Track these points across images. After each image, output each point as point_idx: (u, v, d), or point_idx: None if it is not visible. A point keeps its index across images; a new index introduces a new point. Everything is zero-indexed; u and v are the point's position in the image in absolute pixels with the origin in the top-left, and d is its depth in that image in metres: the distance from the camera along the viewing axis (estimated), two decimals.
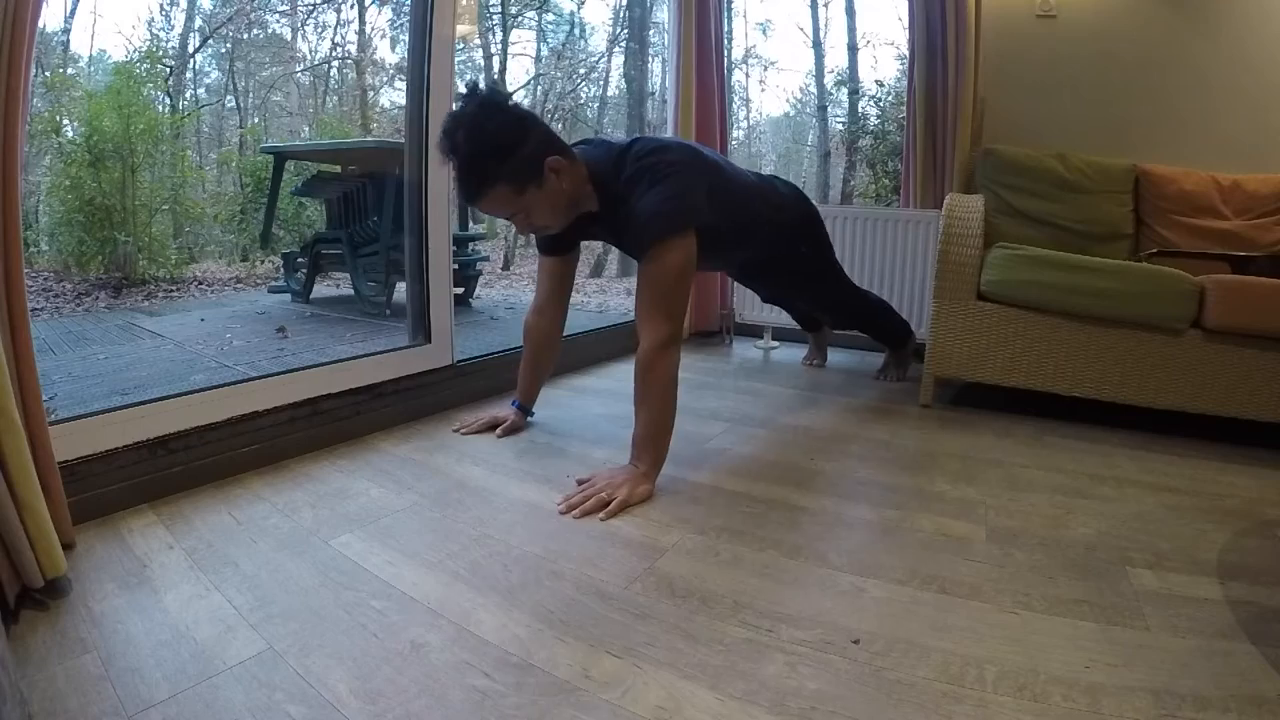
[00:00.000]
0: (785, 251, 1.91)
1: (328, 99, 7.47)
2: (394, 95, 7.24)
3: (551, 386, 2.08)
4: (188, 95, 6.10)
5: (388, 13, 7.33)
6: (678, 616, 0.92)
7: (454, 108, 1.30)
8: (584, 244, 1.67)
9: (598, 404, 1.93)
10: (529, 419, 1.72)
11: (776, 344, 2.78)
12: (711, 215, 1.43)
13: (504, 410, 1.69)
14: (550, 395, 1.99)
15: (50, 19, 4.83)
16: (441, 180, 1.80)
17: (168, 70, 5.47)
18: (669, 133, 2.72)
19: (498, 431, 1.63)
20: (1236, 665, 0.83)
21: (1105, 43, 2.40)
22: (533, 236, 1.65)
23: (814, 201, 2.05)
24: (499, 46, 7.98)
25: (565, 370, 2.26)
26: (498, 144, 1.26)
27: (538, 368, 1.70)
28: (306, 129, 7.09)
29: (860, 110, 6.71)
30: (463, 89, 1.32)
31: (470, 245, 4.48)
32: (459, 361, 1.90)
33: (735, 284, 2.84)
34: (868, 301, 2.24)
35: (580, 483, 1.33)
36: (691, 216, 1.36)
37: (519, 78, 8.45)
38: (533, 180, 1.30)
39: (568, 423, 1.75)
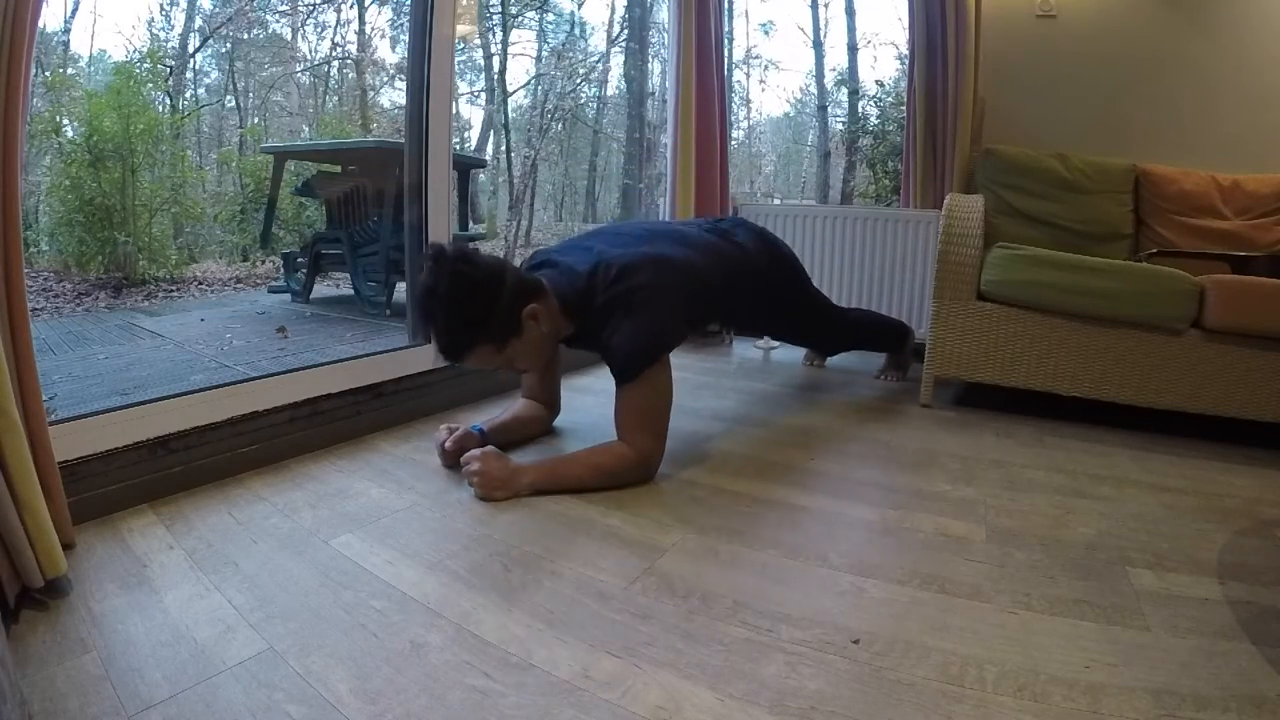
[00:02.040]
0: (765, 304, 1.87)
1: (328, 99, 7.47)
2: (394, 95, 7.24)
3: None
4: (188, 95, 6.10)
5: (388, 13, 7.32)
6: (678, 616, 0.92)
7: (423, 275, 1.29)
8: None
9: (598, 404, 1.93)
10: (483, 440, 1.47)
11: (776, 344, 2.78)
12: (690, 319, 1.45)
13: (462, 431, 1.47)
14: None
15: (50, 19, 4.83)
16: (442, 180, 1.80)
17: (168, 70, 5.46)
18: (669, 133, 2.72)
19: (447, 443, 1.43)
20: (1236, 665, 0.83)
21: (1105, 43, 2.41)
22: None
23: (820, 202, 2.04)
24: (499, 46, 7.98)
25: (565, 370, 2.26)
26: (474, 315, 1.27)
27: (519, 420, 1.59)
28: (306, 129, 7.09)
29: (860, 110, 6.71)
30: (427, 253, 1.32)
31: (470, 245, 4.47)
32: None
33: None
34: (858, 324, 2.22)
35: (466, 457, 1.31)
36: (668, 345, 1.38)
37: (519, 78, 8.46)
38: (512, 333, 1.31)
39: (568, 423, 1.75)
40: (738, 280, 1.68)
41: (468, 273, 1.27)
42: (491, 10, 7.83)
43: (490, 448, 1.34)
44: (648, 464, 1.37)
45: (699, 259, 1.55)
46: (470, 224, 4.97)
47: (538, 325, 1.35)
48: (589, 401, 1.96)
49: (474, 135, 8.12)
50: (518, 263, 1.51)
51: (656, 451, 1.38)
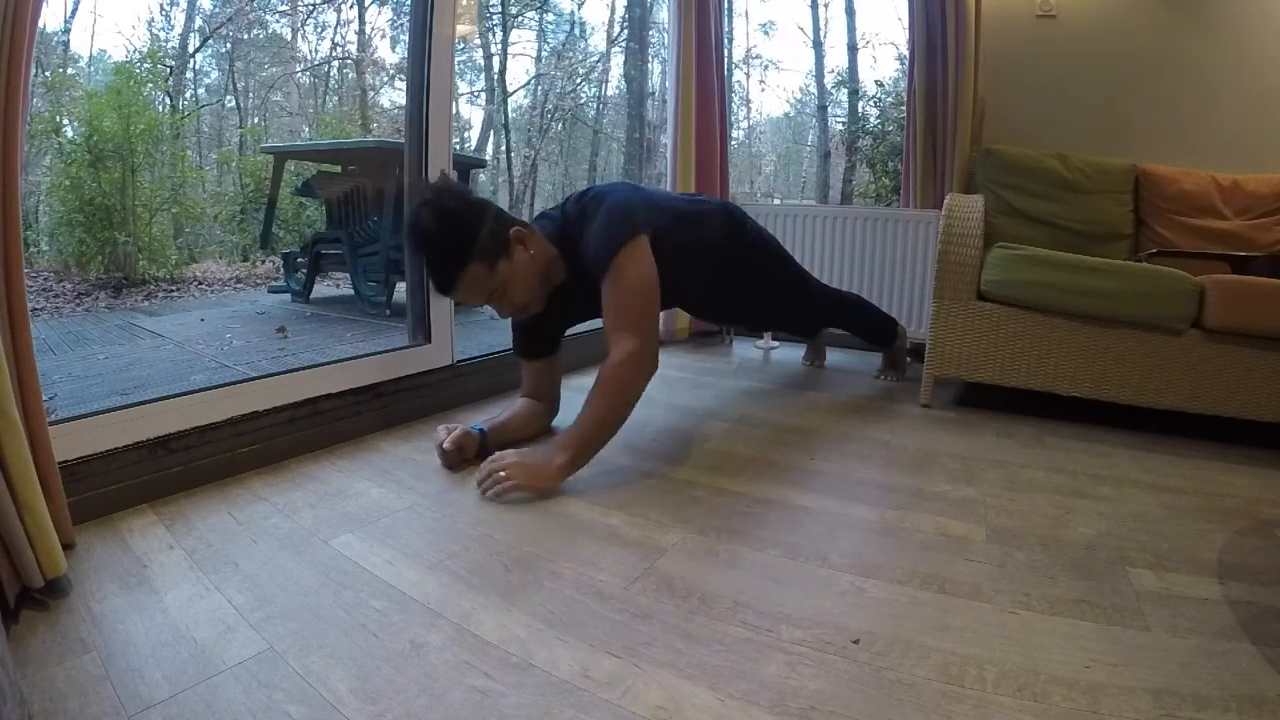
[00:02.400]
0: (743, 272, 1.83)
1: (328, 99, 7.47)
2: (394, 95, 7.25)
3: None
4: (188, 95, 6.11)
5: (388, 13, 7.33)
6: (678, 616, 0.92)
7: (410, 208, 1.37)
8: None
9: None
10: (481, 442, 1.46)
11: (776, 344, 2.78)
12: (659, 222, 1.46)
13: (459, 431, 1.45)
14: None
15: (50, 19, 4.84)
16: None
17: (168, 70, 5.47)
18: (669, 133, 2.72)
19: (446, 443, 1.41)
20: (1236, 665, 0.83)
21: (1105, 43, 2.41)
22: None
23: (820, 202, 2.04)
24: (499, 46, 7.98)
25: (565, 370, 2.26)
26: (461, 224, 1.31)
27: (521, 418, 1.58)
28: (306, 129, 7.09)
29: (860, 110, 6.71)
30: (422, 193, 1.39)
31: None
32: (459, 361, 1.90)
33: None
34: (847, 302, 2.22)
35: (495, 457, 1.31)
36: (637, 224, 1.39)
37: (519, 78, 8.46)
38: (502, 254, 1.34)
39: (568, 423, 1.74)
40: (701, 230, 1.67)
41: (458, 191, 1.36)
42: (491, 10, 7.83)
43: (507, 451, 1.32)
44: (645, 356, 1.35)
45: (664, 197, 1.69)
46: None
47: (525, 249, 1.38)
48: None
49: (474, 135, 8.13)
50: None
51: (648, 346, 1.36)
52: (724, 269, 1.78)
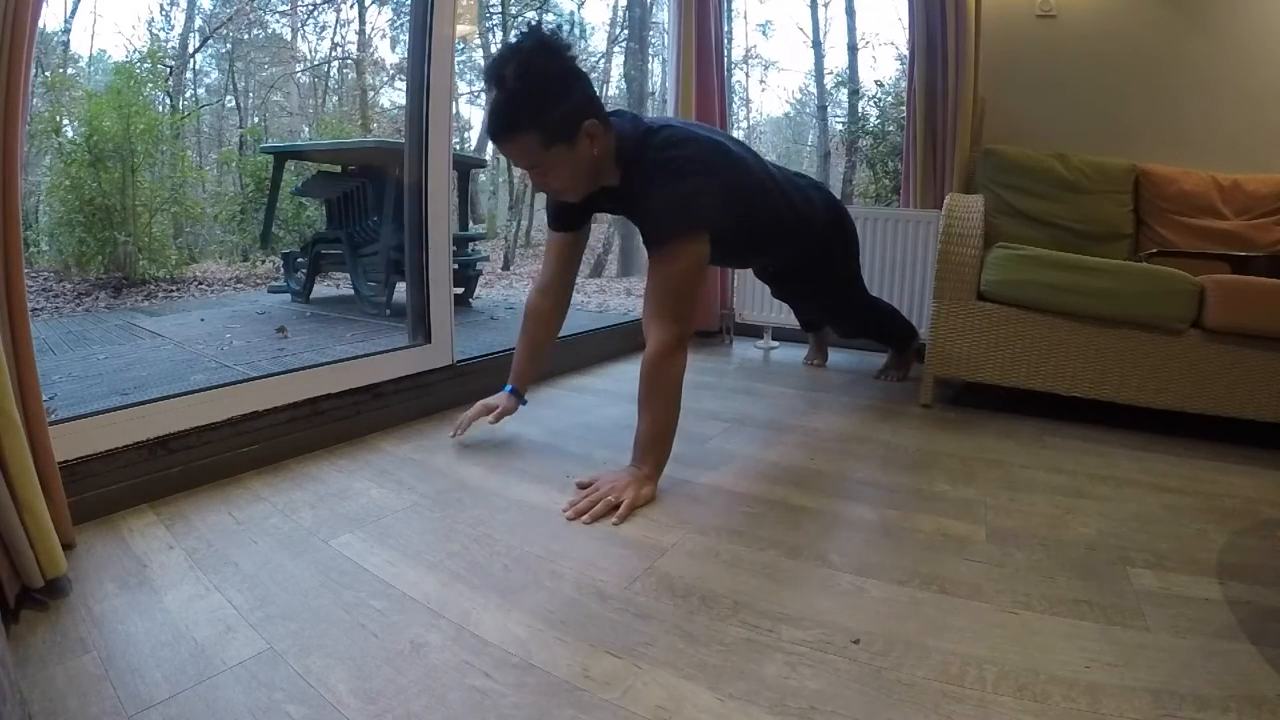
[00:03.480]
0: (808, 260, 1.89)
1: (328, 99, 7.47)
2: (394, 95, 7.25)
3: (551, 386, 2.08)
4: (188, 95, 6.11)
5: (388, 13, 7.33)
6: (678, 616, 0.92)
7: (512, 38, 1.25)
8: (591, 227, 1.65)
9: (598, 403, 1.93)
10: (523, 405, 1.65)
11: (776, 344, 2.78)
12: (727, 219, 1.41)
13: (495, 397, 1.61)
14: (550, 395, 1.99)
15: (50, 19, 4.85)
16: (442, 180, 1.80)
17: (168, 70, 5.47)
18: None
19: (491, 418, 1.56)
20: (1236, 665, 0.83)
21: (1105, 43, 2.41)
22: (541, 227, 1.63)
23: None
24: (499, 46, 7.97)
25: (565, 370, 2.26)
26: (543, 90, 1.22)
27: (536, 350, 1.64)
28: (306, 129, 7.09)
29: (860, 110, 6.71)
30: (528, 23, 1.29)
31: (470, 245, 4.48)
32: (459, 361, 1.90)
33: (735, 284, 2.85)
34: (878, 311, 2.23)
35: (581, 486, 1.32)
36: (702, 219, 1.34)
37: None
38: (564, 138, 1.25)
39: (568, 423, 1.75)
40: (785, 216, 1.67)
41: (556, 49, 1.23)
42: (491, 10, 7.83)
43: (604, 474, 1.33)
44: (682, 342, 1.34)
45: (756, 171, 1.56)
46: (470, 224, 4.97)
47: (590, 146, 1.29)
48: (589, 401, 1.96)
49: (474, 135, 8.13)
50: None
51: (683, 335, 1.34)
52: (796, 251, 1.81)
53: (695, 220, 1.33)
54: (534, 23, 1.27)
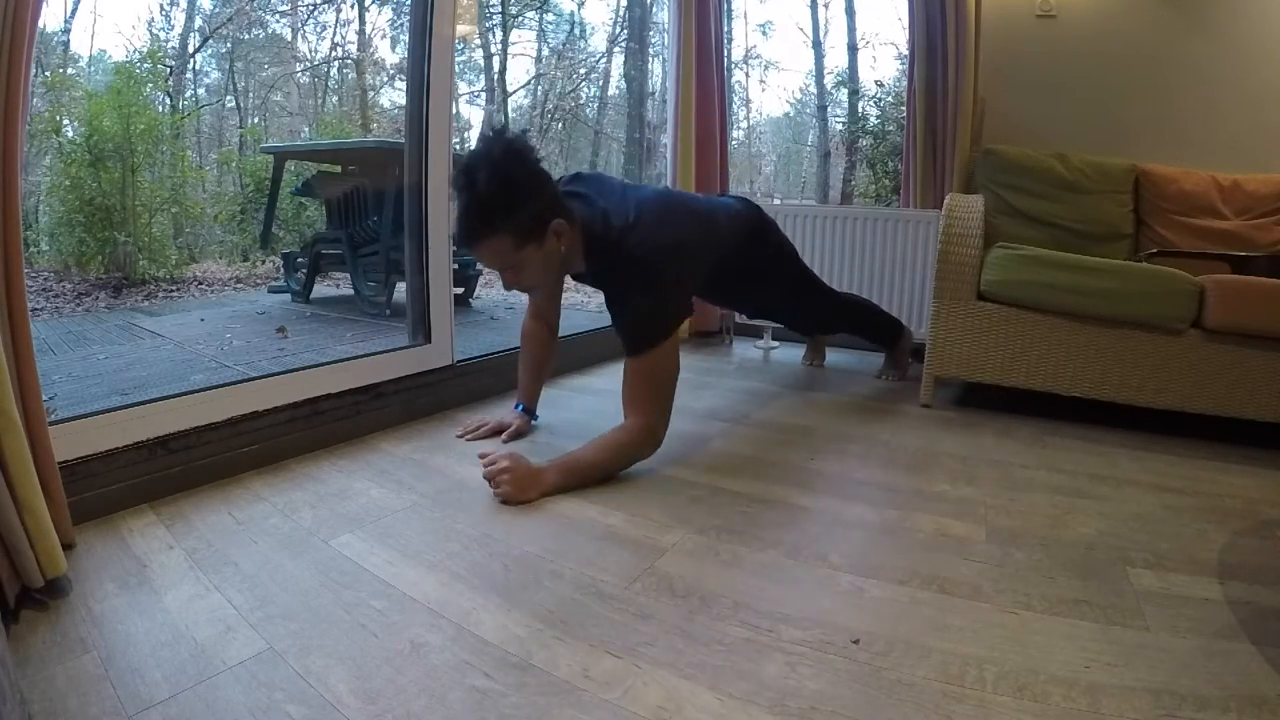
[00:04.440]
0: (756, 267, 1.87)
1: (328, 99, 7.47)
2: (394, 95, 7.24)
3: (551, 386, 2.08)
4: (188, 95, 6.10)
5: (388, 13, 7.33)
6: (678, 616, 0.92)
7: (476, 145, 1.30)
8: None
9: (598, 403, 1.93)
10: (534, 422, 1.70)
11: (776, 344, 2.78)
12: (698, 289, 1.49)
13: (508, 415, 1.67)
14: (550, 395, 1.99)
15: (50, 19, 4.84)
16: (441, 180, 1.80)
17: (168, 70, 5.46)
18: (669, 133, 2.72)
19: (503, 437, 1.60)
20: (1236, 665, 0.83)
21: (1105, 43, 2.41)
22: None
23: (820, 202, 2.04)
24: (499, 46, 7.98)
25: (565, 370, 2.26)
26: (514, 195, 1.26)
27: (538, 370, 1.71)
28: (306, 129, 7.09)
29: (860, 110, 6.71)
30: (489, 130, 1.32)
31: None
32: (459, 361, 1.90)
33: None
34: (851, 303, 2.23)
35: (489, 456, 1.33)
36: (677, 321, 1.40)
37: (519, 78, 8.46)
38: (534, 239, 1.30)
39: (568, 422, 1.75)
40: (730, 242, 1.70)
41: (523, 153, 1.28)
42: (491, 10, 7.83)
43: (510, 451, 1.35)
44: (654, 434, 1.40)
45: (715, 232, 1.62)
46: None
47: (558, 244, 1.34)
48: (587, 402, 1.96)
49: (474, 135, 8.12)
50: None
51: (661, 422, 1.40)
52: (740, 265, 1.80)
53: (670, 327, 1.38)
54: (498, 126, 1.30)
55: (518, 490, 1.27)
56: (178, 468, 1.28)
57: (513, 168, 1.26)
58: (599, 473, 1.36)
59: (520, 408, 1.68)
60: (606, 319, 1.50)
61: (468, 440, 1.60)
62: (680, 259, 1.41)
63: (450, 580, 1.00)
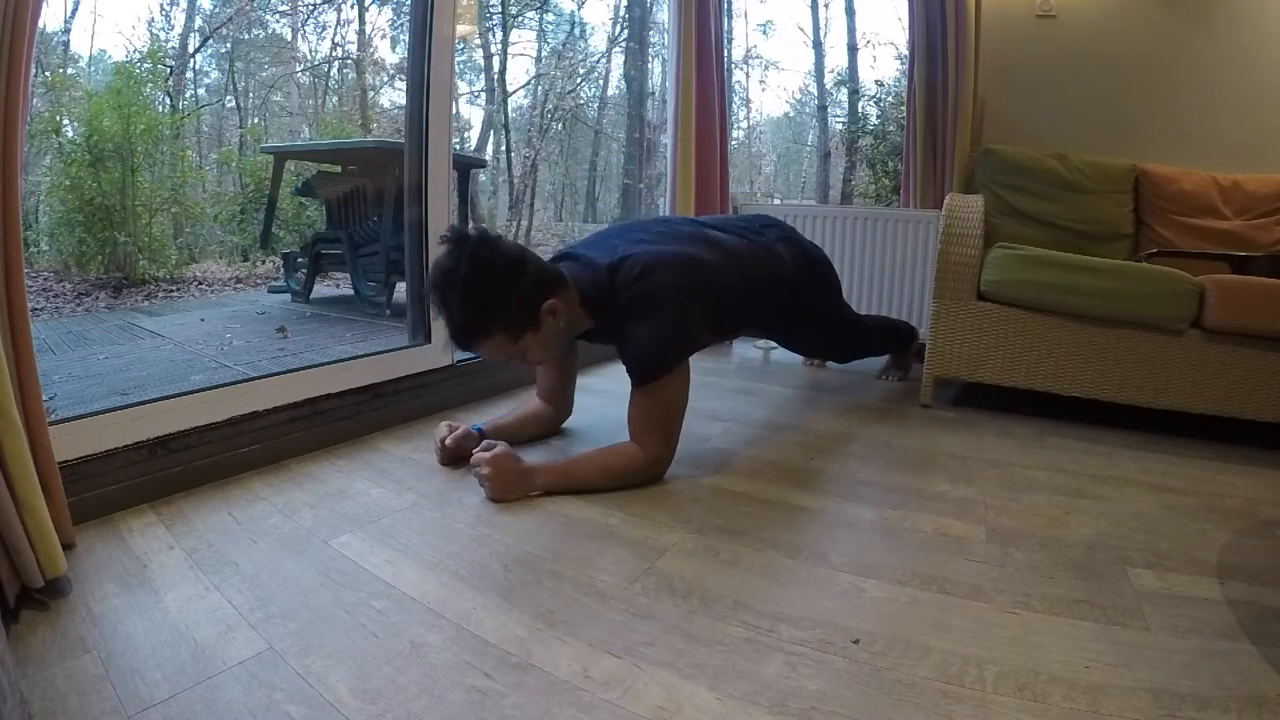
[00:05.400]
0: (795, 311, 1.82)
1: (328, 99, 7.46)
2: (394, 95, 7.24)
3: None
4: (188, 95, 6.10)
5: (388, 13, 7.32)
6: (678, 616, 0.92)
7: (440, 256, 1.25)
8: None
9: (598, 403, 1.93)
10: (480, 439, 1.46)
11: (776, 344, 2.78)
12: (710, 327, 1.42)
13: (461, 431, 1.46)
14: None
15: (50, 19, 4.82)
16: (442, 180, 1.80)
17: (168, 70, 5.46)
18: (669, 133, 2.71)
19: (448, 440, 1.43)
20: (1236, 665, 0.83)
21: (1105, 43, 2.41)
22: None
23: (821, 202, 2.03)
24: (499, 46, 7.97)
25: None
26: (492, 303, 1.22)
27: (525, 425, 1.58)
28: (306, 129, 7.08)
29: (860, 110, 6.71)
30: (446, 234, 1.24)
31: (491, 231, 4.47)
32: (459, 361, 1.90)
33: None
34: (867, 329, 2.20)
35: (483, 449, 1.30)
36: (686, 351, 1.36)
37: (519, 78, 8.45)
38: (529, 327, 1.26)
39: (571, 422, 1.74)
40: (768, 287, 1.62)
41: (488, 257, 1.22)
42: (491, 10, 7.82)
43: (502, 446, 1.31)
44: (657, 466, 1.37)
45: (727, 263, 1.48)
46: (471, 224, 4.96)
47: (555, 321, 1.29)
48: (593, 401, 1.96)
49: (474, 135, 8.12)
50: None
51: (666, 454, 1.37)
52: (785, 306, 1.75)
53: (677, 358, 1.34)
54: (458, 233, 1.25)
55: (500, 490, 1.27)
56: (178, 468, 1.28)
57: (482, 278, 1.20)
58: (591, 489, 1.32)
59: (478, 429, 1.47)
60: None
61: (447, 444, 1.45)
62: (684, 274, 1.36)
63: (450, 580, 1.00)
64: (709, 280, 1.41)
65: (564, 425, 1.70)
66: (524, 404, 1.63)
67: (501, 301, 1.23)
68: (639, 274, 1.32)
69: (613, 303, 1.34)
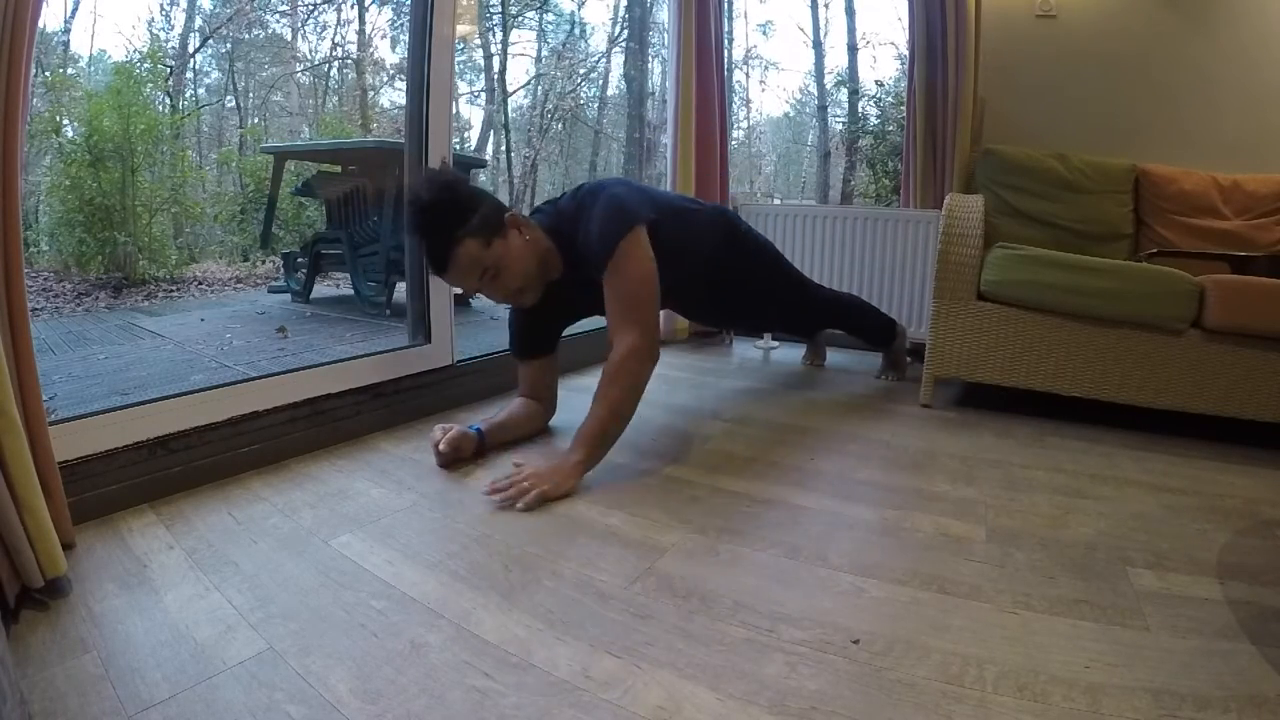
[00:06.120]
0: (738, 273, 1.85)
1: (328, 99, 7.47)
2: (394, 95, 7.24)
3: None
4: (188, 95, 6.10)
5: (388, 13, 7.33)
6: (678, 616, 0.92)
7: (412, 185, 1.43)
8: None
9: None
10: (480, 441, 1.48)
11: (776, 344, 2.78)
12: (654, 212, 1.46)
13: (456, 431, 1.44)
14: None
15: (50, 19, 4.84)
16: None
17: (168, 70, 5.46)
18: (669, 133, 2.72)
19: (442, 444, 1.40)
20: (1236, 665, 0.83)
21: (1105, 43, 2.40)
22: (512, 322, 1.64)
23: (821, 202, 2.05)
24: (499, 46, 7.98)
25: (565, 370, 2.26)
26: (456, 197, 1.35)
27: (515, 423, 1.58)
28: (306, 129, 7.09)
29: (860, 110, 6.71)
30: (421, 170, 1.45)
31: None
32: (459, 361, 1.90)
33: None
34: (839, 302, 2.23)
35: (516, 465, 1.35)
36: (635, 216, 1.40)
37: (519, 78, 8.46)
38: (496, 233, 1.36)
39: (567, 423, 1.74)
40: (697, 227, 1.70)
41: (451, 181, 1.38)
42: (491, 10, 7.83)
43: (525, 464, 1.34)
44: (650, 346, 1.38)
45: (668, 197, 1.70)
46: None
47: (521, 235, 1.40)
48: (589, 401, 1.96)
49: (474, 135, 8.13)
50: None
51: (650, 336, 1.39)
52: (718, 270, 1.79)
53: (626, 222, 1.39)
54: (424, 168, 1.52)
55: (557, 485, 1.27)
56: (178, 468, 1.28)
57: (447, 194, 1.35)
58: (621, 419, 1.36)
59: (476, 429, 1.48)
60: (603, 321, 1.49)
61: (442, 448, 1.41)
62: (630, 188, 1.51)
63: (450, 580, 1.00)
64: (641, 187, 1.60)
65: (554, 425, 1.70)
66: (511, 405, 1.62)
67: (468, 207, 1.34)
68: (580, 192, 1.50)
69: (571, 227, 1.45)
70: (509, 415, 1.58)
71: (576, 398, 1.99)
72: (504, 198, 7.96)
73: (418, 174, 1.45)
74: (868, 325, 2.27)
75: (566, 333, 1.70)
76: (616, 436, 1.37)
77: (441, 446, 1.40)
